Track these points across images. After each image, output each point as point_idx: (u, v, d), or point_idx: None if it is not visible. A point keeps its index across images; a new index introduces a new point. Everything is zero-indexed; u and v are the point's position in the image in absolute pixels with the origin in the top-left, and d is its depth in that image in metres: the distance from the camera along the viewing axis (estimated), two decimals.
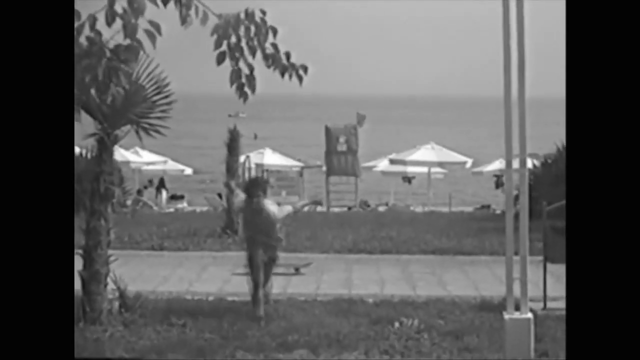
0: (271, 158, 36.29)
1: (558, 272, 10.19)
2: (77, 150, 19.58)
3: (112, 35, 5.26)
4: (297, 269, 14.55)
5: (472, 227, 20.88)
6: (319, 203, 13.05)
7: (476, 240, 18.18)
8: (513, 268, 8.96)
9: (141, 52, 5.30)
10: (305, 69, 5.86)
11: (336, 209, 31.92)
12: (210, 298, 12.26)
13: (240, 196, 11.76)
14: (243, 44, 5.62)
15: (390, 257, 16.53)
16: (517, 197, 9.36)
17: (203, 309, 11.40)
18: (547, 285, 11.47)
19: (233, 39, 5.58)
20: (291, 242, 16.28)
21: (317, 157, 40.03)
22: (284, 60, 5.78)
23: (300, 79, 5.85)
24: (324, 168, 35.64)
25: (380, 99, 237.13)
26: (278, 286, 12.28)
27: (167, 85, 11.19)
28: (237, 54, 5.63)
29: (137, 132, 11.12)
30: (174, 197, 37.45)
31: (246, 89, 5.79)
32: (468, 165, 35.94)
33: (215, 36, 5.54)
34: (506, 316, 8.95)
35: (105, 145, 10.63)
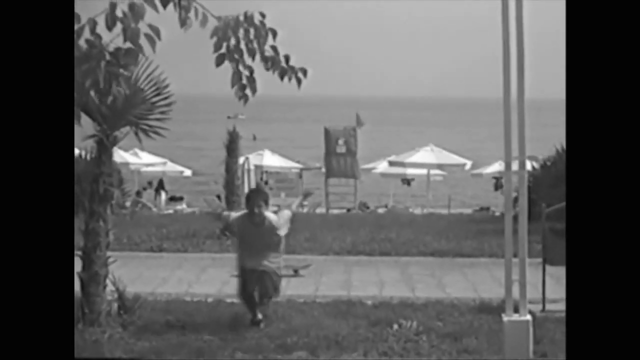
0: (270, 160, 36.34)
1: (557, 274, 10.20)
2: (76, 151, 19.58)
3: (112, 39, 5.27)
4: (296, 271, 14.54)
5: (471, 229, 20.87)
6: (310, 194, 12.28)
7: (475, 242, 18.17)
8: (512, 270, 8.95)
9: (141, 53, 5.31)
10: (305, 72, 5.86)
11: (335, 211, 31.93)
12: (210, 299, 12.26)
13: (231, 214, 11.23)
14: (242, 46, 5.63)
15: (390, 259, 16.52)
16: (516, 199, 9.36)
17: (202, 310, 11.40)
18: (546, 288, 11.47)
19: (232, 41, 5.59)
20: (290, 243, 16.27)
21: (316, 159, 40.09)
22: (283, 63, 5.78)
23: (299, 81, 5.86)
24: (323, 170, 35.68)
25: (379, 101, 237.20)
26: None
27: (166, 86, 11.18)
28: (236, 56, 5.64)
29: (136, 134, 11.11)
30: (173, 199, 37.46)
31: (247, 90, 5.80)
32: (467, 167, 35.98)
33: (214, 38, 5.54)
34: (505, 318, 8.94)
35: (104, 146, 10.63)
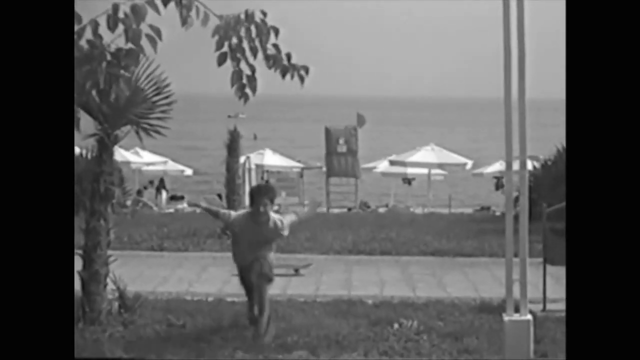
0: (271, 159, 36.35)
1: (558, 274, 10.19)
2: (77, 150, 19.60)
3: (113, 39, 5.27)
4: (296, 270, 14.55)
5: (472, 228, 20.88)
6: (319, 203, 11.35)
7: (476, 241, 18.17)
8: (513, 270, 8.95)
9: None
10: (307, 70, 5.87)
11: (336, 210, 31.95)
12: (210, 299, 12.26)
13: (231, 213, 10.61)
14: (245, 44, 5.63)
15: (390, 259, 16.52)
16: (517, 199, 9.36)
17: (202, 309, 11.40)
18: (546, 287, 11.46)
19: (234, 40, 5.59)
20: (290, 242, 16.30)
21: (317, 158, 40.11)
22: (285, 61, 5.79)
23: (302, 79, 5.86)
24: (324, 169, 35.72)
25: (380, 100, 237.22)
26: (277, 287, 12.27)
27: (167, 85, 11.18)
28: (238, 55, 5.64)
29: (137, 133, 11.11)
30: (174, 198, 37.48)
31: (247, 90, 5.80)
32: (468, 166, 35.98)
33: (216, 37, 5.55)
34: (506, 318, 8.94)
35: (105, 145, 10.63)
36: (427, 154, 34.88)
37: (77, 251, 10.11)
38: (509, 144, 8.91)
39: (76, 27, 5.15)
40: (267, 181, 36.12)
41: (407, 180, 39.44)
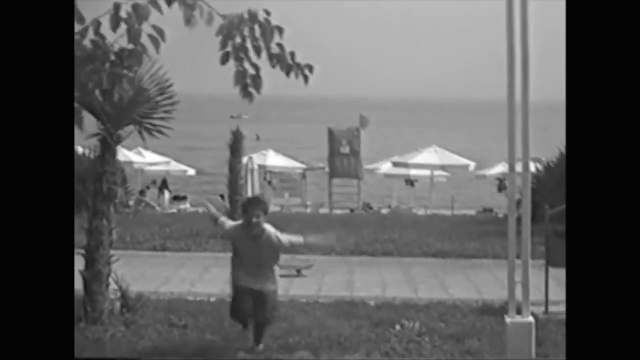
0: (274, 160, 36.34)
1: (560, 276, 10.16)
2: (80, 150, 19.60)
3: (116, 39, 5.27)
4: (298, 271, 14.55)
5: (474, 230, 20.87)
6: (334, 239, 9.91)
7: (478, 243, 18.16)
8: (515, 272, 8.95)
9: None
10: (311, 69, 5.87)
11: (338, 211, 31.96)
12: (212, 299, 12.26)
13: (228, 222, 9.70)
14: (248, 44, 5.63)
15: (392, 260, 16.52)
16: (519, 201, 9.35)
17: (204, 310, 11.40)
18: (548, 289, 11.46)
19: (238, 40, 5.59)
20: None
21: (320, 159, 40.07)
22: (289, 60, 5.79)
23: (305, 78, 5.86)
24: (327, 170, 35.70)
25: (383, 102, 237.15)
26: (280, 288, 12.23)
27: (170, 86, 11.19)
28: (241, 55, 5.64)
29: (140, 133, 11.12)
30: (176, 198, 37.46)
31: (251, 89, 5.80)
32: (471, 168, 35.94)
33: (220, 37, 5.54)
34: (508, 320, 8.94)
35: (108, 145, 10.63)
36: (430, 156, 34.85)
37: (80, 251, 10.11)
38: (512, 145, 8.91)
39: (79, 27, 5.14)
40: (269, 182, 36.16)
41: (410, 182, 39.40)
